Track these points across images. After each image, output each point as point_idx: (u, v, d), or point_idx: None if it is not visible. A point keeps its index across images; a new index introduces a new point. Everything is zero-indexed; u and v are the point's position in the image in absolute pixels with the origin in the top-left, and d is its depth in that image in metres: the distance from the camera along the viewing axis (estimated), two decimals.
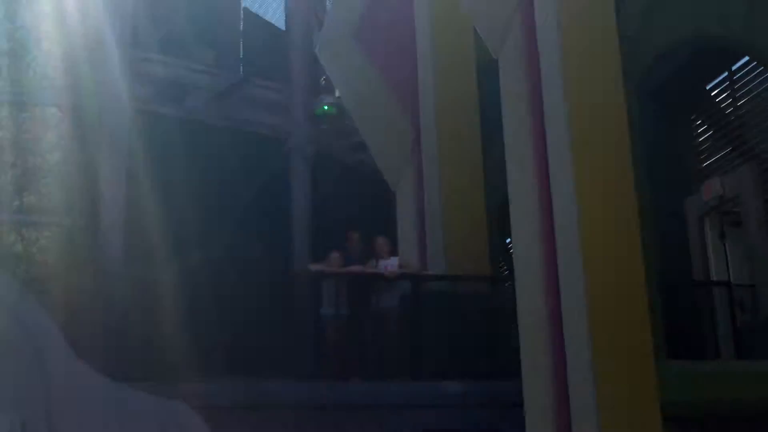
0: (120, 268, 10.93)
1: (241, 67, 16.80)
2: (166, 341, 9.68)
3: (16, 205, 8.27)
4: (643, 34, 11.05)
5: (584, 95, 9.04)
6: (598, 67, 9.16)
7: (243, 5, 18.25)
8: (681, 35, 11.60)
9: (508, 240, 15.63)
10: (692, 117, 13.33)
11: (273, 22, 19.04)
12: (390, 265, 11.33)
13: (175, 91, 14.58)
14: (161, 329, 9.82)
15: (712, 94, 12.94)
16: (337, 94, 16.22)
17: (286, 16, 17.69)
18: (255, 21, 18.25)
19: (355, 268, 11.27)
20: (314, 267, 11.43)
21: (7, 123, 8.48)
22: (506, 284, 12.50)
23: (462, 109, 12.94)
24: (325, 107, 15.48)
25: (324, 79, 17.20)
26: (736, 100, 12.47)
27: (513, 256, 9.58)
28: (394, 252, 11.91)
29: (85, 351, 8.25)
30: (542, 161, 9.34)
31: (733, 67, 12.35)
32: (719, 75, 12.65)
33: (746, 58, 11.99)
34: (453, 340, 10.97)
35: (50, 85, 8.57)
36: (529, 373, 9.02)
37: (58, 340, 7.64)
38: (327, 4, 17.73)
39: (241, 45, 17.63)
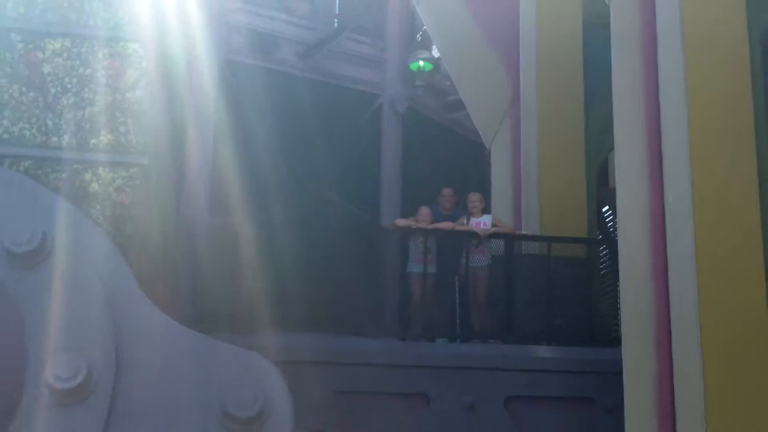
0: (204, 215, 10.72)
1: (336, 22, 16.36)
2: (247, 293, 9.40)
3: (93, 143, 8.00)
4: None
5: (704, 45, 8.27)
6: (720, 14, 8.38)
7: None
8: None
9: (605, 209, 14.99)
10: None
11: None
12: (483, 222, 10.75)
13: (266, 43, 14.24)
14: (243, 281, 9.53)
15: None
16: (433, 51, 15.73)
17: None
18: None
19: (446, 224, 10.72)
20: (401, 222, 10.93)
21: (86, 58, 8.20)
22: (604, 248, 11.88)
23: (565, 64, 12.30)
24: (420, 63, 14.93)
25: (420, 35, 16.70)
26: None
27: (618, 212, 8.90)
28: (487, 210, 11.34)
29: (162, 297, 7.98)
30: (654, 116, 8.62)
31: None
32: None
33: None
34: (546, 304, 10.42)
35: (132, 20, 8.26)
36: (630, 339, 8.36)
37: (129, 282, 7.35)
38: None
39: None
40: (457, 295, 10.78)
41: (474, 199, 10.96)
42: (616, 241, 11.55)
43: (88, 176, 7.84)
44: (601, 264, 11.80)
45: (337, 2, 16.93)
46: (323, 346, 9.11)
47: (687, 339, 7.69)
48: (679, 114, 8.19)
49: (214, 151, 12.22)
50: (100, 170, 7.90)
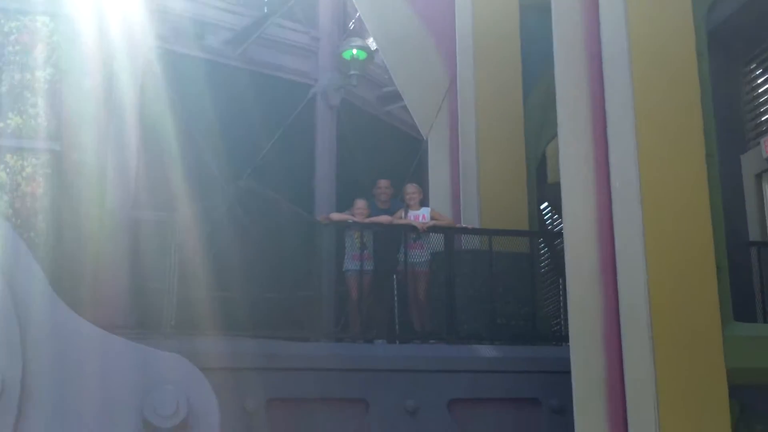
0: (127, 209, 10.05)
1: (266, 8, 15.72)
2: (171, 293, 8.79)
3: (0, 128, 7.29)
4: None
5: (648, 31, 7.93)
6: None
7: None
8: None
9: (543, 205, 14.67)
10: (751, 66, 12.13)
11: None
12: (421, 215, 10.29)
13: (194, 29, 13.55)
14: (168, 279, 8.91)
15: None
16: (367, 40, 15.22)
17: None
18: None
19: (383, 218, 10.25)
20: (336, 216, 10.41)
21: None
22: (547, 241, 11.54)
23: (502, 51, 11.96)
24: (354, 51, 14.37)
25: (353, 23, 16.18)
26: None
27: (563, 206, 8.50)
28: (425, 203, 10.89)
29: (77, 298, 7.34)
30: (598, 105, 8.25)
31: None
32: None
33: None
34: (489, 301, 10.01)
35: None
36: (578, 337, 7.99)
37: (38, 280, 6.70)
38: None
39: None
40: (396, 293, 10.28)
41: (411, 190, 10.53)
42: (558, 235, 11.36)
43: None
44: (542, 260, 11.46)
45: None
46: (256, 351, 8.54)
47: (637, 335, 7.36)
48: (624, 99, 7.84)
49: (140, 142, 11.57)
50: (8, 157, 7.19)
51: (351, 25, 16.16)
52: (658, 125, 7.68)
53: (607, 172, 7.94)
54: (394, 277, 10.18)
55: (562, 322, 10.32)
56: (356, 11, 15.11)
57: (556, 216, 14.37)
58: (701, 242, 7.48)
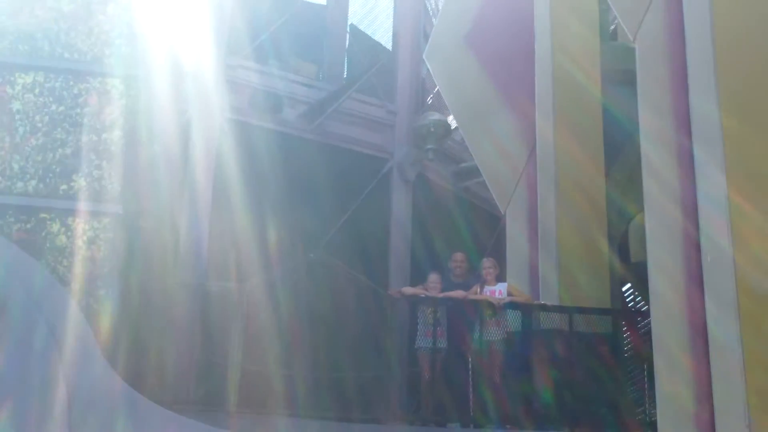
0: (199, 280, 9.85)
1: (343, 82, 15.69)
2: (236, 368, 8.48)
3: (63, 190, 7.14)
4: None
5: (738, 101, 7.49)
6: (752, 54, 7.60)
7: (350, 22, 17.29)
8: None
9: (626, 287, 14.06)
10: None
11: (381, 41, 18.05)
12: (497, 291, 9.84)
13: (271, 102, 13.51)
14: (234, 354, 8.62)
15: None
16: (445, 114, 15.03)
17: (393, 34, 16.57)
18: (362, 39, 17.21)
19: (458, 293, 9.83)
20: (409, 290, 10.02)
21: (59, 93, 7.40)
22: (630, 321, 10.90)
23: (583, 125, 11.56)
24: (432, 126, 14.17)
25: (431, 98, 16.03)
26: None
27: (650, 285, 8.00)
28: (501, 278, 10.43)
29: (141, 370, 7.07)
30: (687, 178, 7.80)
31: None
32: None
33: None
34: (569, 385, 9.43)
35: (115, 53, 7.49)
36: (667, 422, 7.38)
37: (92, 349, 6.43)
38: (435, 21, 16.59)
39: (346, 61, 16.59)
40: (470, 373, 9.76)
41: (488, 265, 10.11)
42: (642, 314, 10.77)
43: (55, 227, 6.98)
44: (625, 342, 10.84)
45: (346, 63, 16.33)
46: None
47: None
48: (715, 173, 7.37)
49: (212, 212, 11.47)
50: (70, 220, 7.03)
51: (429, 100, 16.00)
52: (751, 195, 7.18)
53: (698, 246, 7.44)
54: (469, 355, 9.68)
55: (647, 410, 9.68)
56: (435, 85, 14.95)
57: (639, 297, 13.73)
58: None
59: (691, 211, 7.67)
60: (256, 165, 12.52)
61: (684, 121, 8.02)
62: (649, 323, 9.34)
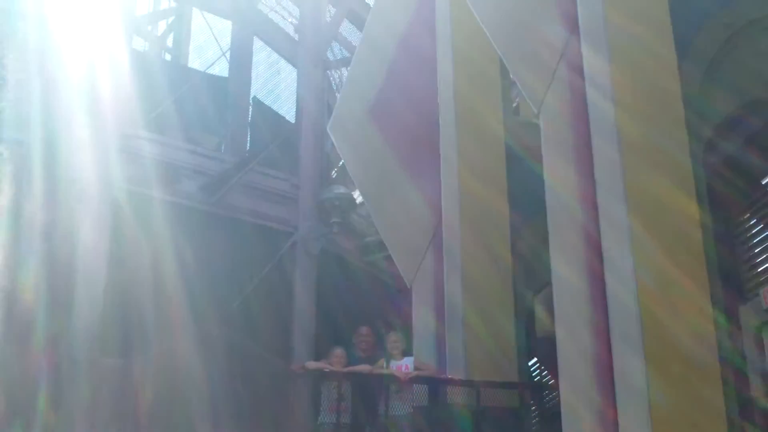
0: (89, 353, 9.37)
1: (246, 156, 15.48)
2: None
3: None
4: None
5: (640, 159, 7.57)
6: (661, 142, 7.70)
7: (253, 94, 17.17)
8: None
9: (532, 361, 14.01)
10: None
11: (285, 114, 17.97)
12: (404, 365, 9.60)
13: (168, 173, 13.19)
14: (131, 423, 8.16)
15: None
16: (350, 189, 14.93)
17: (297, 107, 16.52)
18: (265, 111, 17.09)
19: (363, 367, 9.56)
20: (312, 365, 9.70)
21: None
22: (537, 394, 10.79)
23: (489, 195, 11.49)
24: (335, 199, 14.03)
25: (336, 171, 15.94)
26: None
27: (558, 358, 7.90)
28: (407, 352, 10.21)
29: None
30: (593, 244, 7.80)
31: None
32: None
33: None
34: None
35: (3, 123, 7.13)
36: None
37: None
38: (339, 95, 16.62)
39: (248, 134, 16.42)
40: None
41: (394, 338, 9.91)
42: (549, 387, 10.67)
43: None
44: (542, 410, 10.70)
45: (249, 135, 16.15)
46: None
47: None
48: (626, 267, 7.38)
49: (107, 286, 10.99)
50: None
51: (334, 173, 15.90)
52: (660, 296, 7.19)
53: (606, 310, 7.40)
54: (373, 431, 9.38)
55: None
56: (339, 159, 14.86)
57: (546, 373, 13.66)
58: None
59: (598, 278, 7.63)
60: (154, 237, 12.14)
61: (590, 195, 8.03)
62: (555, 397, 9.26)
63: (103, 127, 11.49)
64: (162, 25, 19.28)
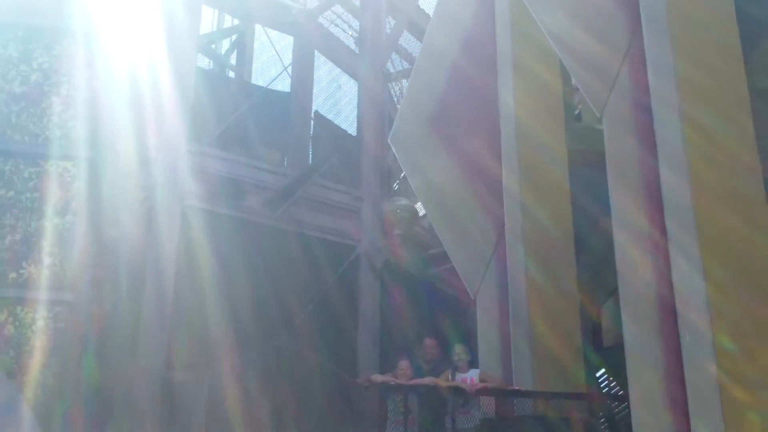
0: (160, 367, 9.46)
1: (309, 170, 15.54)
2: None
3: (12, 278, 6.79)
4: None
5: (708, 165, 7.41)
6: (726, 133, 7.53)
7: (314, 109, 17.27)
8: None
9: (600, 372, 13.79)
10: None
11: (346, 128, 18.05)
12: (469, 378, 9.50)
13: (232, 190, 13.29)
14: None
15: None
16: (412, 201, 14.90)
17: (358, 120, 16.55)
18: (326, 125, 17.18)
19: (428, 380, 9.48)
20: (378, 378, 9.66)
21: (8, 178, 7.11)
22: (606, 406, 10.60)
23: (552, 204, 11.36)
24: (398, 211, 13.99)
25: (398, 183, 15.92)
26: None
27: (627, 368, 7.75)
28: (473, 364, 10.11)
29: None
30: (660, 247, 7.64)
31: None
32: None
33: None
34: None
35: (68, 135, 7.24)
36: None
37: None
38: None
39: (310, 148, 16.50)
40: None
41: (459, 351, 9.81)
42: (618, 398, 10.46)
43: (2, 316, 6.60)
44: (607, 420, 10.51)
45: (311, 149, 16.23)
46: None
47: None
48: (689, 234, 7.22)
49: (174, 302, 11.11)
50: (18, 309, 6.67)
51: (396, 185, 15.87)
52: (727, 268, 7.02)
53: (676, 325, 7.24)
54: None
55: None
56: (401, 171, 14.83)
57: (614, 383, 13.43)
58: None
59: (667, 289, 7.47)
60: (220, 252, 12.24)
61: (655, 196, 7.89)
62: (624, 408, 9.08)
63: (170, 145, 11.62)
64: (225, 44, 19.55)
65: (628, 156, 8.46)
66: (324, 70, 18.55)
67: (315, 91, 17.48)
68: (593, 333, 12.10)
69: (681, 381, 7.18)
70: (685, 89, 7.55)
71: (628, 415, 8.25)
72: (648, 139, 7.98)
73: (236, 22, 19.04)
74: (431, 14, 13.47)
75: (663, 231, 7.70)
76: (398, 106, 16.40)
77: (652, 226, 7.87)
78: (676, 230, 7.44)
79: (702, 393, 6.86)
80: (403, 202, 14.32)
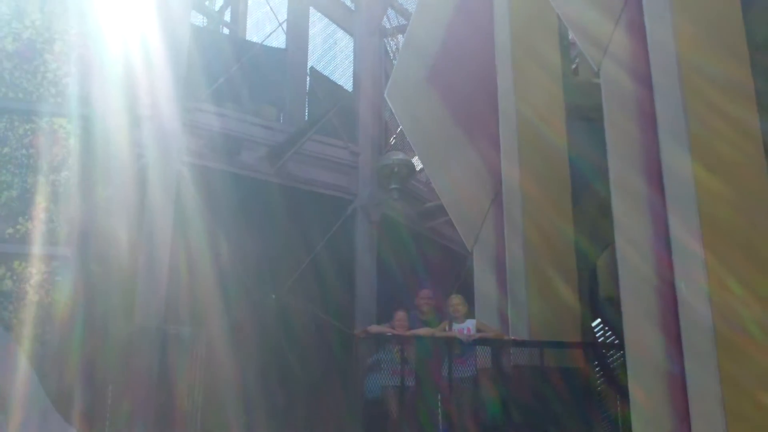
0: (157, 323, 9.55)
1: (305, 126, 15.53)
2: (196, 414, 8.17)
3: (9, 233, 6.84)
4: None
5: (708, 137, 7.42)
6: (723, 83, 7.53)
7: (310, 64, 17.21)
8: None
9: (596, 322, 13.89)
10: None
11: (342, 83, 17.99)
12: (466, 328, 9.59)
13: (229, 145, 13.30)
14: (194, 398, 8.30)
15: None
16: (409, 155, 14.91)
17: (354, 76, 16.51)
18: (322, 81, 17.12)
19: (425, 330, 9.57)
20: (375, 329, 9.76)
21: (3, 134, 7.12)
22: (604, 353, 10.72)
23: (549, 157, 11.38)
24: (395, 165, 14.02)
25: (394, 138, 15.92)
26: None
27: (623, 312, 7.83)
28: (470, 315, 10.19)
29: (99, 414, 6.74)
30: (657, 198, 7.69)
31: None
32: None
33: None
34: (541, 420, 9.17)
35: (62, 92, 7.25)
36: None
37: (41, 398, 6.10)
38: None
39: (306, 104, 16.47)
40: (440, 411, 9.48)
41: (456, 302, 9.84)
42: (616, 346, 10.57)
43: (0, 271, 6.66)
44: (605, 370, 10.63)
45: (307, 105, 16.20)
46: None
47: None
48: (687, 202, 7.26)
49: (172, 256, 11.18)
50: (16, 264, 6.72)
51: (392, 140, 15.88)
52: (725, 221, 7.07)
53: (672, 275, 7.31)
54: (438, 394, 9.41)
55: None
56: (398, 125, 14.83)
57: (609, 333, 13.55)
58: None
59: (663, 238, 7.53)
60: (217, 208, 12.29)
61: (653, 151, 7.91)
62: (620, 356, 9.19)
63: (165, 101, 11.61)
64: (219, 0, 19.43)
65: (625, 107, 8.46)
66: (319, 26, 18.46)
67: (310, 47, 17.39)
68: (589, 284, 12.17)
69: (676, 325, 7.26)
70: (683, 35, 7.54)
71: (623, 363, 8.36)
72: (646, 92, 7.98)
73: None
74: None
75: (660, 184, 7.73)
76: (394, 62, 16.34)
77: (649, 178, 7.89)
78: (674, 182, 7.47)
79: (697, 336, 6.94)
80: (400, 156, 14.31)
